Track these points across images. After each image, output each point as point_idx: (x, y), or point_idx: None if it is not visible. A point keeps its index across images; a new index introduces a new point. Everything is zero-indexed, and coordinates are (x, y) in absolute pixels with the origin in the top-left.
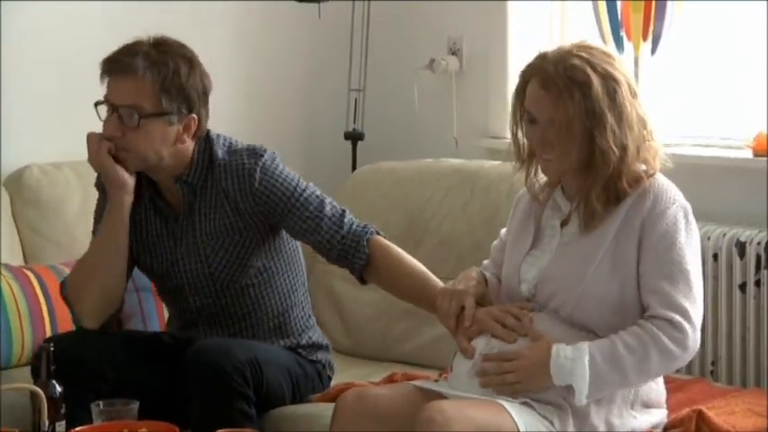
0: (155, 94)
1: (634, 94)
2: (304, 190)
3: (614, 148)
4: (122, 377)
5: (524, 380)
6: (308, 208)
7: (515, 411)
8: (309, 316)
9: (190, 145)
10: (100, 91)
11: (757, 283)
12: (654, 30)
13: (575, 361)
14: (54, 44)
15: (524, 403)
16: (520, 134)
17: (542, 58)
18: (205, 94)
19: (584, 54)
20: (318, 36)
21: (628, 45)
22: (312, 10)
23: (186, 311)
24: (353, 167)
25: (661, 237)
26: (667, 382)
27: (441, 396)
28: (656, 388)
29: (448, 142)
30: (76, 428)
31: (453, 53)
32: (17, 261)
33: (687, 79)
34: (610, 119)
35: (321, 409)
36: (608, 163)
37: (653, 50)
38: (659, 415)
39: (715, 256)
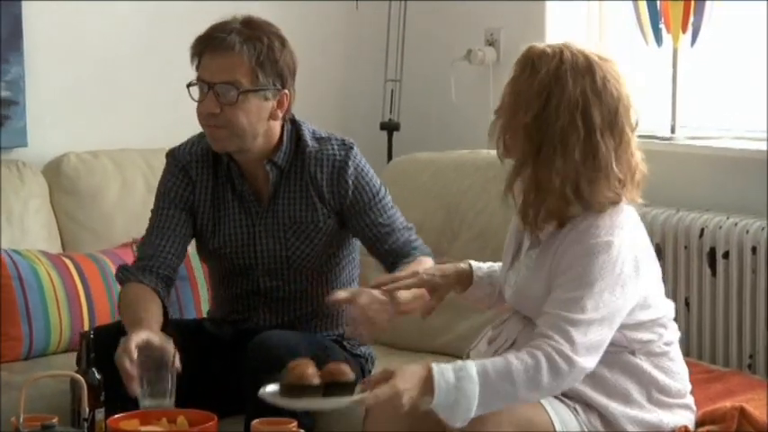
0: (251, 70)
1: (588, 125)
2: (386, 194)
3: (525, 141)
4: None
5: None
6: (385, 212)
7: (548, 404)
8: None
9: (279, 125)
10: (137, 79)
11: None
12: (693, 22)
13: (460, 381)
14: (93, 33)
15: None
16: None
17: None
18: (294, 71)
19: (567, 54)
20: (356, 26)
21: (666, 36)
22: (350, 2)
23: (250, 293)
24: (389, 158)
25: (568, 268)
26: (704, 372)
27: None
28: (674, 377)
29: (484, 134)
30: (115, 416)
31: (491, 44)
32: (55, 249)
33: (726, 71)
34: (529, 115)
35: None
36: (525, 155)
37: (692, 42)
38: (686, 407)
39: (753, 249)
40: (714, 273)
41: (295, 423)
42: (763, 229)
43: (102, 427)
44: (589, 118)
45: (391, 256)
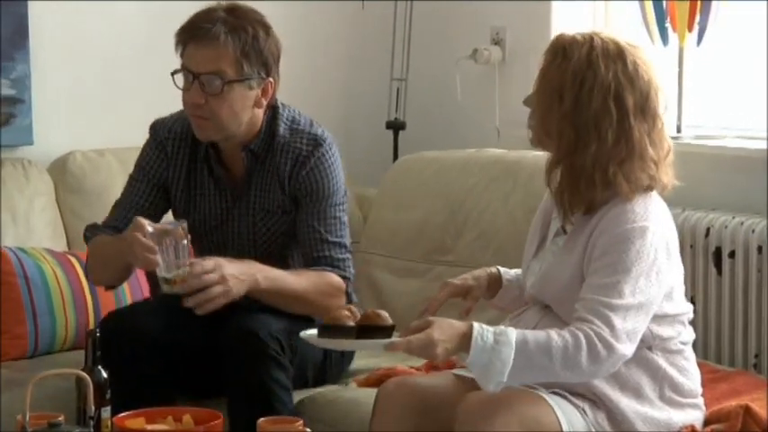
0: (236, 60)
1: (621, 108)
2: (337, 203)
3: (568, 130)
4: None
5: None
6: (323, 218)
7: (555, 404)
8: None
9: (262, 112)
10: (143, 77)
11: None
12: (699, 21)
13: (498, 343)
14: (98, 32)
15: (555, 392)
16: None
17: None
18: (278, 58)
19: (597, 40)
20: (361, 25)
21: (672, 36)
22: (356, 1)
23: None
24: (395, 157)
25: (603, 252)
26: (710, 372)
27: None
28: (687, 376)
29: (490, 132)
30: (121, 414)
31: (496, 43)
32: (60, 247)
33: (732, 70)
34: (569, 102)
35: (362, 396)
36: (562, 143)
37: (698, 41)
38: (696, 407)
39: (759, 249)
40: (720, 272)
41: (301, 422)
42: None
43: (108, 426)
44: (622, 102)
45: (304, 261)
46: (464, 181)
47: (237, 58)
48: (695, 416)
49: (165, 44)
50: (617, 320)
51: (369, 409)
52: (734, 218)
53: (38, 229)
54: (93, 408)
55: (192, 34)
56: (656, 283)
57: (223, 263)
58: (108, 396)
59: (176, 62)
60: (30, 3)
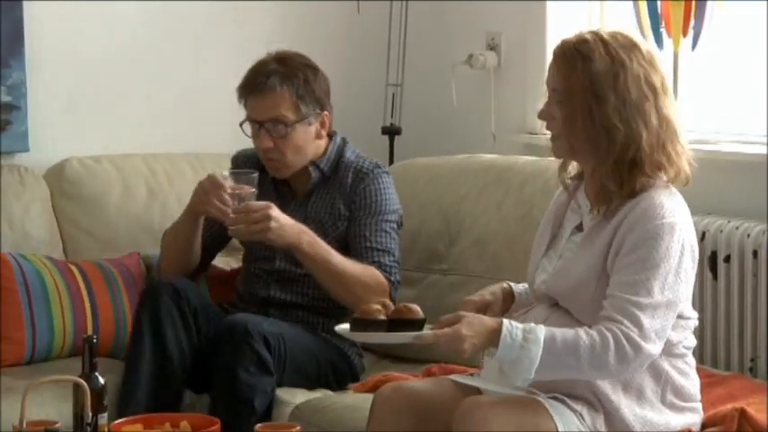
0: (293, 104)
1: (654, 91)
2: (389, 220)
3: (619, 125)
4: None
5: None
6: (374, 231)
7: (553, 409)
8: None
9: (324, 141)
10: (140, 84)
11: None
12: (694, 25)
13: (526, 341)
14: (95, 38)
15: (554, 397)
16: None
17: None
18: (329, 92)
19: (604, 35)
20: (357, 30)
21: (667, 41)
22: (351, 5)
23: (267, 272)
24: (390, 162)
25: (634, 248)
26: (705, 376)
27: (477, 390)
28: (689, 380)
29: (486, 137)
30: (118, 420)
31: (492, 48)
32: (57, 254)
33: (727, 75)
34: (612, 98)
35: (359, 401)
36: (614, 141)
37: (693, 46)
38: (695, 411)
39: (755, 253)
40: (715, 276)
41: (298, 427)
42: (764, 233)
43: None
44: (653, 86)
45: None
46: (457, 188)
47: (294, 102)
48: (693, 420)
49: (163, 50)
50: (645, 320)
51: (365, 414)
52: (729, 222)
53: (34, 236)
54: (90, 414)
55: (250, 89)
56: (684, 280)
57: (274, 209)
58: (105, 402)
59: (175, 68)
60: (25, 7)
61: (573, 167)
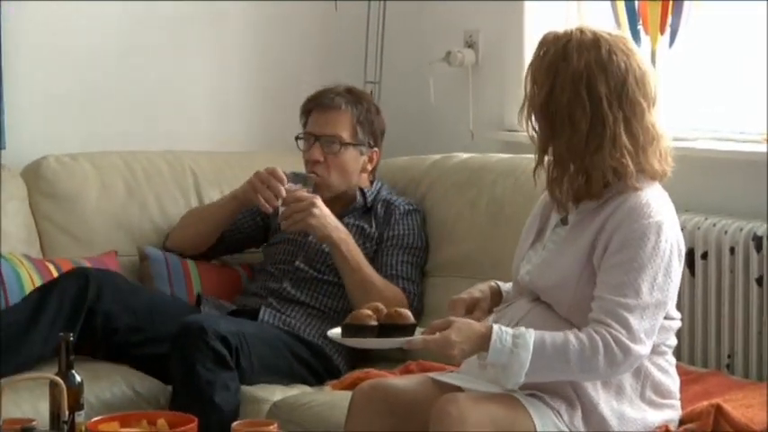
0: (352, 126)
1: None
2: (414, 252)
3: (540, 122)
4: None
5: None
6: (398, 258)
7: (531, 406)
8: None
9: (366, 178)
10: (118, 82)
11: None
12: (671, 23)
13: (516, 346)
14: (72, 35)
15: (533, 395)
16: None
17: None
18: (384, 132)
19: (575, 33)
20: (334, 28)
21: (645, 38)
22: (329, 3)
23: (283, 271)
24: None
25: (621, 247)
26: (683, 374)
27: (456, 388)
28: (669, 377)
29: (464, 135)
30: (94, 419)
31: (470, 46)
32: (34, 252)
33: (703, 73)
34: (541, 94)
35: (337, 398)
36: (539, 138)
37: (670, 43)
38: (673, 408)
39: (732, 250)
40: (693, 273)
41: (276, 424)
42: (741, 229)
43: (82, 430)
44: (594, 90)
45: None
46: (431, 187)
47: (354, 124)
48: (671, 416)
49: (142, 48)
50: (634, 321)
51: (344, 411)
52: (706, 219)
53: (11, 234)
54: (66, 412)
55: (317, 103)
56: (673, 279)
57: (320, 200)
58: (82, 401)
59: (154, 66)
60: (2, 4)
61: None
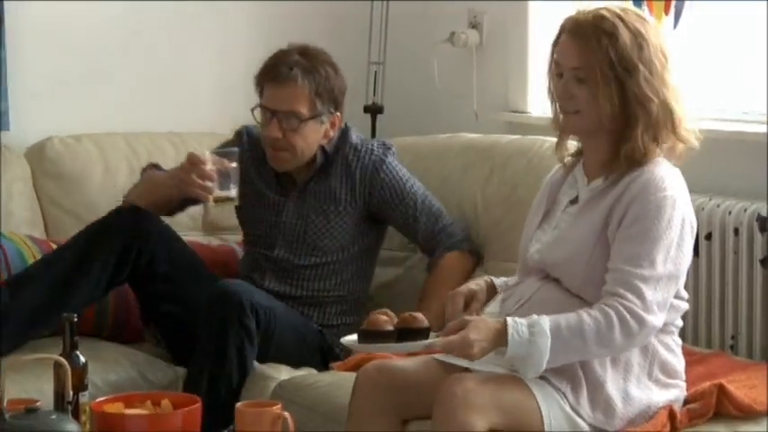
0: (310, 100)
1: (666, 60)
2: (414, 189)
3: (651, 95)
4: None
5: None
6: (412, 206)
7: (536, 387)
8: (360, 308)
9: (327, 140)
10: (121, 63)
11: None
12: (675, 4)
13: (533, 335)
14: (76, 16)
15: (538, 376)
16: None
17: (578, 12)
18: (345, 91)
19: (617, 11)
20: (339, 9)
21: (650, 19)
22: None
23: (265, 259)
24: None
25: (636, 220)
26: (686, 354)
27: (461, 369)
28: (675, 357)
29: (468, 116)
30: (99, 399)
31: (474, 27)
32: (38, 233)
33: (708, 53)
34: (641, 68)
35: (342, 379)
36: (649, 111)
37: (675, 24)
38: (678, 388)
39: (736, 231)
40: (697, 254)
41: (279, 405)
42: (745, 210)
43: (87, 410)
44: (666, 56)
45: (422, 247)
46: (440, 168)
47: (312, 98)
48: (676, 396)
49: (145, 29)
50: (648, 292)
51: (348, 392)
52: (710, 200)
53: (16, 215)
54: (71, 393)
55: (271, 77)
56: (686, 251)
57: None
58: (86, 381)
59: (157, 47)
60: None
61: (571, 145)
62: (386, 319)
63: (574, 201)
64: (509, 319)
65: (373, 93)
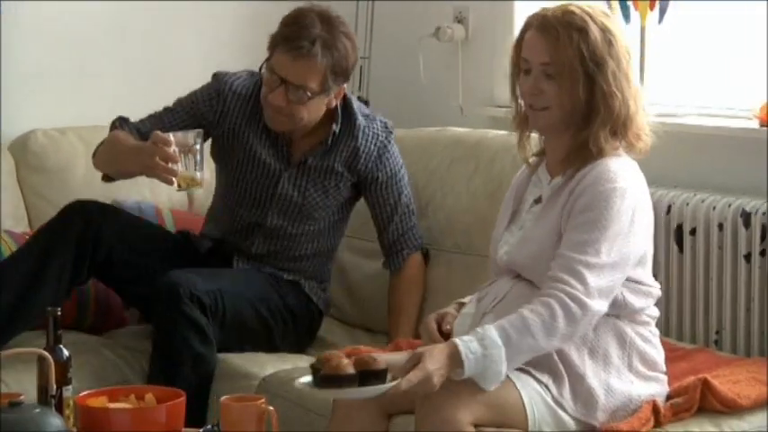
0: (324, 78)
1: (630, 58)
2: (401, 182)
3: (616, 91)
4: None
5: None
6: (393, 197)
7: (518, 380)
8: (328, 276)
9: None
10: (107, 56)
11: (762, 253)
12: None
13: (486, 348)
14: (60, 11)
15: (519, 369)
16: (518, 91)
17: (543, 8)
18: (356, 63)
19: (584, 7)
20: (324, 4)
21: (635, 14)
22: None
23: (255, 224)
24: None
25: (584, 209)
26: (670, 350)
27: None
28: (654, 348)
29: (453, 110)
30: (83, 393)
31: (459, 21)
32: (22, 226)
33: (693, 49)
34: (611, 63)
35: None
36: (611, 108)
37: (660, 19)
38: (659, 381)
39: (720, 226)
40: (681, 249)
41: (263, 399)
42: (729, 205)
43: (70, 404)
44: (629, 53)
45: (386, 241)
46: (426, 162)
47: (326, 74)
48: (657, 390)
49: (130, 22)
50: (591, 278)
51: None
52: (695, 195)
53: None
54: (54, 386)
55: (291, 47)
56: (633, 242)
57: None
58: (70, 375)
59: (143, 40)
60: None
61: (533, 144)
62: (347, 361)
63: (538, 200)
64: (458, 341)
65: (359, 87)
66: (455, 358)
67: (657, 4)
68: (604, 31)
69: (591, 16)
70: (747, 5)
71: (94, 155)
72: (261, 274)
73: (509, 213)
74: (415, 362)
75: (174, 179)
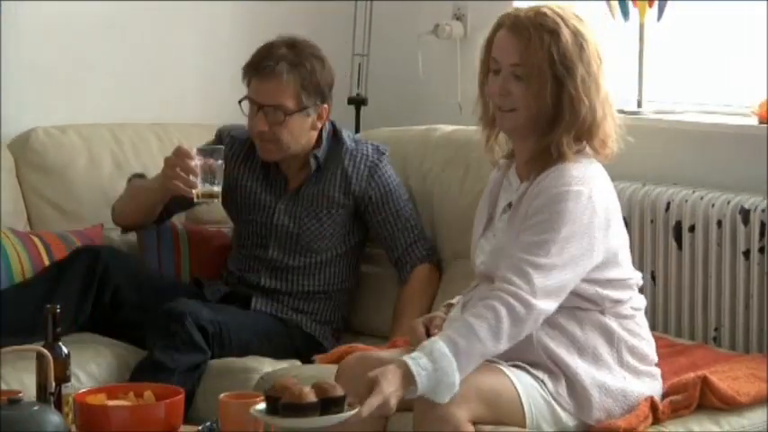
0: (296, 94)
1: (601, 63)
2: (399, 198)
3: (584, 96)
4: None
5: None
6: (392, 214)
7: (515, 376)
8: (346, 301)
9: (316, 132)
10: (107, 54)
11: (761, 250)
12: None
13: (436, 362)
14: (60, 9)
15: (516, 365)
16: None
17: (516, 8)
18: (332, 84)
19: (556, 9)
20: (323, 1)
21: (633, 11)
22: None
23: (259, 260)
24: (356, 132)
25: (537, 211)
26: (669, 346)
27: None
28: (642, 340)
29: (452, 108)
30: (82, 390)
31: (458, 19)
32: (21, 224)
33: (692, 46)
34: (581, 68)
35: (325, 372)
36: (577, 113)
37: (659, 16)
38: (653, 378)
39: (719, 223)
40: (680, 246)
41: (262, 397)
42: (728, 202)
43: (69, 402)
44: (601, 57)
45: (393, 262)
46: (420, 161)
47: (298, 92)
48: (652, 386)
49: (130, 20)
50: (537, 278)
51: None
52: (694, 192)
53: None
54: (53, 384)
55: (257, 70)
56: (588, 245)
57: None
58: (69, 372)
59: (143, 39)
60: None
61: (499, 147)
62: (308, 390)
63: (509, 206)
64: (407, 359)
65: (357, 84)
66: (406, 377)
67: (656, 2)
68: (576, 34)
69: (563, 19)
70: (746, 2)
71: (113, 209)
72: (272, 316)
73: (484, 220)
74: (371, 386)
75: (192, 191)
